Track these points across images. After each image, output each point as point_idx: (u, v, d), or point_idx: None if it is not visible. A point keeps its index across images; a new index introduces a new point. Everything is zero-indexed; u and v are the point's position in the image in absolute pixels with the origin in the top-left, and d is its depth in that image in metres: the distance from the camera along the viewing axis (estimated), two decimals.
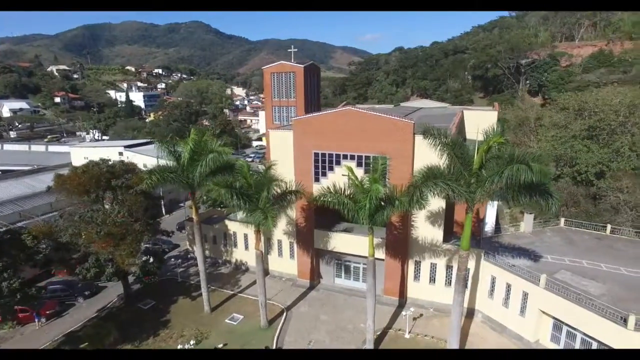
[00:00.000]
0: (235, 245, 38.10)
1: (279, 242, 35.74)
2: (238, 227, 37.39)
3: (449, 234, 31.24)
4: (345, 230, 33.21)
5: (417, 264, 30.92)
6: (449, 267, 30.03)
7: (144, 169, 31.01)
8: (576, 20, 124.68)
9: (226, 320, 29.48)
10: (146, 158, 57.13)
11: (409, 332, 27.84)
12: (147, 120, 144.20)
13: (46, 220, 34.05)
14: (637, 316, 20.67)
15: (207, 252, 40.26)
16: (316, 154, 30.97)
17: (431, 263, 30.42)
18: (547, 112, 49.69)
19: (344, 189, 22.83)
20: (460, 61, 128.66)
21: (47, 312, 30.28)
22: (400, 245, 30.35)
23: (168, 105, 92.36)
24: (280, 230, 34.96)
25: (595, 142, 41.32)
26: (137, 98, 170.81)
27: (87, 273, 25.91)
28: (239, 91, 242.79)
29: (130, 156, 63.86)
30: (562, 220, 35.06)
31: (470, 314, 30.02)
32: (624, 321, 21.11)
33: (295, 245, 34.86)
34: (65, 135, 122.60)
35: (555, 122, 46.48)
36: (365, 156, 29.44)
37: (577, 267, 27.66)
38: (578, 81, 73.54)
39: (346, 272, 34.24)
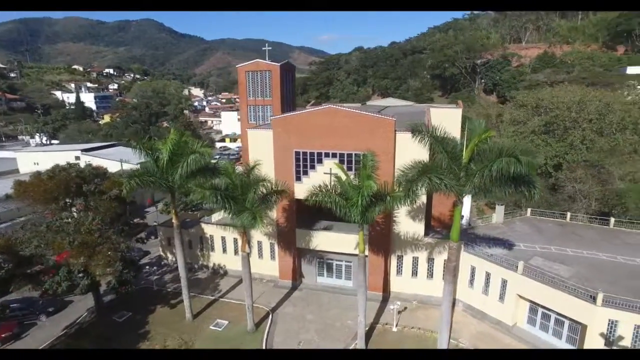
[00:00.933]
0: (213, 249, 36.93)
1: (259, 243, 35.10)
2: (215, 230, 36.27)
3: (428, 228, 32.21)
4: (326, 229, 33.22)
5: (400, 259, 31.60)
6: (430, 260, 30.95)
7: (119, 173, 29.13)
8: (522, 24, 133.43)
9: (210, 327, 28.49)
10: (107, 162, 53.80)
11: (396, 326, 28.36)
12: (100, 122, 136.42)
13: (1, 231, 31.08)
14: (604, 294, 22.48)
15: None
16: (297, 153, 30.71)
17: (413, 257, 31.20)
18: (507, 110, 52.58)
19: (335, 187, 22.75)
20: (418, 61, 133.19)
21: (2, 335, 27.38)
22: (383, 240, 30.86)
23: (125, 107, 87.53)
24: (260, 231, 34.27)
25: (552, 137, 44.32)
26: (88, 99, 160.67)
27: (58, 287, 23.91)
28: (197, 92, 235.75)
29: (89, 161, 59.91)
30: (529, 210, 37.33)
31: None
32: (593, 299, 22.87)
33: (276, 246, 34.39)
34: (3, 139, 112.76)
35: (515, 119, 49.29)
36: (347, 154, 29.61)
37: (547, 252, 29.55)
38: (529, 80, 78.54)
39: (328, 271, 34.28)
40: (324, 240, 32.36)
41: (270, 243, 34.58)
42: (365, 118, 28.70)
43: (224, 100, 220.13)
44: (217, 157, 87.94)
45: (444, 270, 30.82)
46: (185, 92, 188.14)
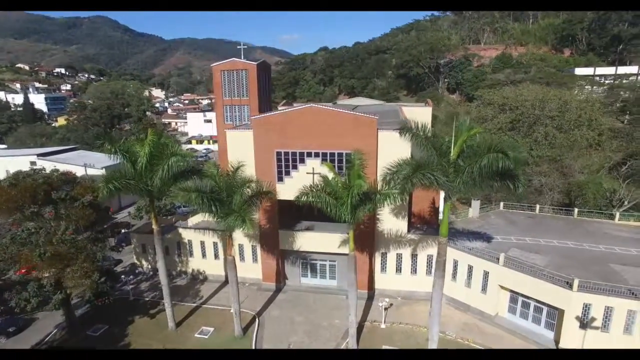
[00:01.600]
0: (191, 255, 35.62)
1: (241, 246, 34.25)
2: (193, 235, 35.02)
3: (409, 225, 32.79)
4: (308, 229, 33.01)
5: (384, 256, 31.95)
6: (413, 256, 31.52)
7: (91, 178, 27.30)
8: (480, 26, 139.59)
9: (196, 335, 27.45)
10: (68, 167, 50.42)
11: (384, 322, 28.64)
12: (54, 125, 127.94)
13: None
14: (579, 279, 23.90)
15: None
16: (279, 153, 30.27)
17: (397, 254, 31.65)
18: (474, 108, 54.71)
19: (325, 187, 22.56)
20: (383, 61, 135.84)
21: None
22: (368, 239, 31.06)
23: (84, 108, 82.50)
24: (241, 234, 33.44)
25: (518, 133, 46.59)
26: (38, 100, 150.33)
27: (26, 304, 22.01)
28: (158, 93, 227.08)
29: (47, 166, 55.87)
30: (502, 204, 39.03)
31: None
32: (569, 285, 24.25)
33: (258, 249, 33.73)
34: None
35: (482, 116, 51.34)
36: (330, 153, 29.55)
37: (522, 244, 30.98)
38: (490, 80, 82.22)
39: (312, 271, 34.06)
40: (307, 240, 32.10)
41: (252, 246, 33.85)
42: (348, 117, 28.76)
43: (186, 102, 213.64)
44: None
45: (427, 266, 31.61)
46: (146, 93, 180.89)
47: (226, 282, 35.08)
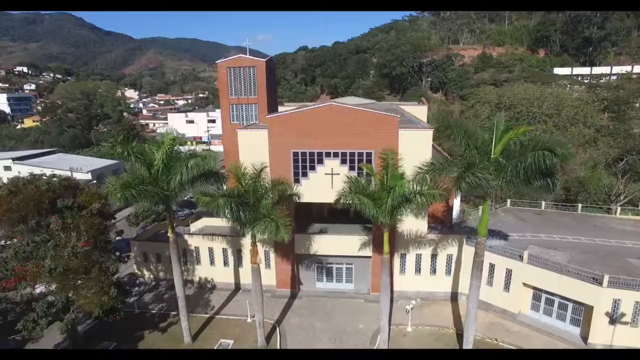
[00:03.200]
0: (199, 262, 33.70)
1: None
2: (201, 241, 33.14)
3: None
4: (322, 232, 31.95)
5: (403, 257, 31.29)
6: (433, 256, 31.02)
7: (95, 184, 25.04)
8: (458, 27, 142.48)
9: (216, 348, 25.74)
10: (49, 172, 46.94)
11: (410, 325, 27.96)
12: (18, 127, 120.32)
13: None
14: (609, 275, 24.05)
15: (161, 274, 34.98)
16: (295, 154, 29.00)
17: (416, 254, 31.06)
18: (470, 106, 55.19)
19: (361, 188, 21.53)
20: (364, 60, 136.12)
21: None
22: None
23: (57, 109, 77.56)
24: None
25: None
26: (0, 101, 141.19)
27: (34, 326, 19.75)
28: (131, 93, 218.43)
29: (24, 170, 51.92)
30: (509, 201, 39.30)
31: (454, 297, 31.56)
32: (596, 280, 24.37)
33: (271, 254, 32.29)
34: None
35: (479, 114, 51.80)
36: (349, 153, 28.57)
37: (538, 240, 31.14)
38: (475, 79, 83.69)
39: (328, 275, 32.96)
40: (325, 244, 30.99)
41: (265, 251, 32.35)
42: (369, 115, 27.89)
43: (161, 102, 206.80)
44: None
45: (446, 266, 31.22)
46: (118, 93, 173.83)
47: (236, 290, 33.51)
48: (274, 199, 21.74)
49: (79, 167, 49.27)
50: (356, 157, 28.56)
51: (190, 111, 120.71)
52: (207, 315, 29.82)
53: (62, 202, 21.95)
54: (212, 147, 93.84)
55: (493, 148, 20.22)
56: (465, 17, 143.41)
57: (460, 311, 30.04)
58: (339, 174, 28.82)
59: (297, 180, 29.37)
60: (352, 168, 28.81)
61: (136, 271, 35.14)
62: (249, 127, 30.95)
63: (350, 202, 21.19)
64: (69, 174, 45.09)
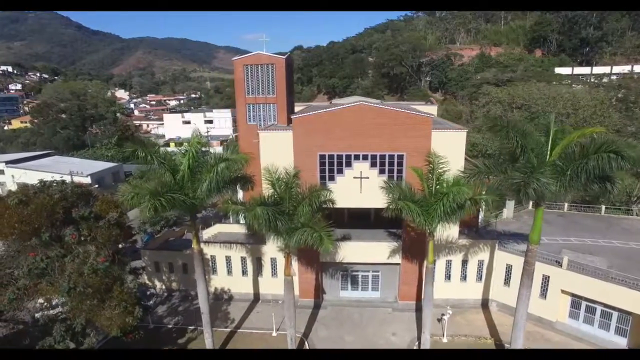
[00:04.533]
0: (215, 272, 31.80)
1: (273, 260, 30.94)
2: (218, 250, 31.24)
3: None
4: (345, 238, 30.36)
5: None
6: (464, 262, 29.71)
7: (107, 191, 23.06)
8: (454, 26, 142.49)
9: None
10: (49, 176, 44.40)
11: (445, 336, 26.57)
12: (5, 128, 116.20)
13: None
14: None
15: (174, 285, 32.99)
16: (322, 156, 27.37)
17: (446, 260, 29.72)
18: (481, 106, 54.19)
19: (412, 194, 20.02)
20: (360, 60, 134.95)
21: None
22: (418, 246, 28.83)
23: (50, 110, 74.42)
24: (274, 247, 30.20)
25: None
26: None
27: None
28: (121, 94, 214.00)
29: (17, 175, 49.23)
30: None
31: (484, 304, 30.31)
32: None
33: (294, 262, 30.50)
34: None
35: (493, 114, 50.75)
36: (380, 155, 27.06)
37: (570, 244, 30.05)
38: (478, 79, 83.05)
39: (353, 283, 31.40)
40: (351, 251, 29.40)
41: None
42: (402, 115, 26.42)
43: (153, 103, 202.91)
44: None
45: (477, 272, 29.95)
46: (109, 94, 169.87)
47: (255, 300, 31.71)
48: (313, 207, 20.01)
49: (79, 170, 46.76)
50: (387, 160, 27.08)
51: (186, 111, 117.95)
52: (228, 330, 27.97)
53: (77, 212, 19.92)
54: (211, 149, 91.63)
55: (549, 150, 18.91)
56: (461, 17, 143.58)
57: (493, 319, 28.83)
58: (368, 178, 27.34)
59: (323, 185, 27.68)
60: (382, 171, 27.34)
61: (146, 282, 33.04)
62: (269, 129, 29.20)
63: (396, 209, 19.59)
64: (68, 178, 42.71)
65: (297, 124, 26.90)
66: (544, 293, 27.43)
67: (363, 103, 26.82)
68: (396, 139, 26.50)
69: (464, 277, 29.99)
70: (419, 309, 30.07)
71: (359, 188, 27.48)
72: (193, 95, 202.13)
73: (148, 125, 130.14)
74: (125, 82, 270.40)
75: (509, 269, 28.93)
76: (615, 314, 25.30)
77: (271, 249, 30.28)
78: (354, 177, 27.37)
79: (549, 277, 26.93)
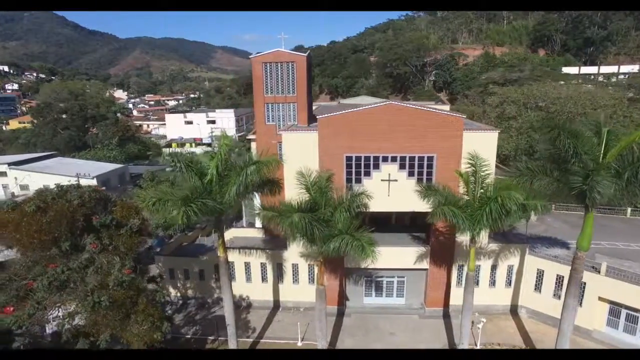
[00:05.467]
0: (233, 279, 30.46)
1: (294, 266, 29.76)
2: (237, 256, 29.98)
3: None
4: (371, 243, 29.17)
5: (460, 269, 28.78)
6: (493, 268, 28.65)
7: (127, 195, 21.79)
8: (456, 26, 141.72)
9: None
10: (54, 178, 42.94)
11: (479, 345, 25.49)
12: (3, 128, 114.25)
13: None
14: None
15: (189, 292, 31.71)
16: (349, 158, 26.22)
17: (476, 265, 28.50)
18: (494, 106, 53.19)
19: (456, 199, 18.91)
20: (362, 60, 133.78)
21: None
22: (446, 251, 27.80)
23: (50, 110, 72.69)
24: (296, 252, 29.05)
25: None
26: None
27: None
28: (120, 94, 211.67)
29: (21, 177, 47.73)
30: (553, 206, 37.21)
31: (513, 310, 29.31)
32: None
33: (316, 268, 29.31)
34: None
35: (507, 115, 49.76)
36: (409, 157, 25.94)
37: (602, 249, 29.01)
38: (485, 79, 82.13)
39: (377, 290, 30.27)
40: (377, 256, 28.12)
41: (309, 265, 29.45)
42: (433, 115, 25.34)
43: (151, 103, 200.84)
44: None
45: (507, 277, 28.91)
46: (107, 94, 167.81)
47: (275, 308, 30.52)
48: (351, 212, 18.83)
49: (86, 172, 45.31)
50: (416, 162, 25.98)
51: (188, 111, 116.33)
52: (251, 340, 26.74)
53: (98, 219, 18.63)
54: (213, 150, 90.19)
55: (602, 152, 17.85)
56: (463, 17, 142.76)
57: (525, 327, 27.80)
58: (396, 180, 26.22)
59: (349, 188, 26.51)
60: (411, 174, 26.24)
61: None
62: (291, 129, 27.99)
63: (441, 215, 18.45)
64: (75, 180, 41.40)
65: (323, 124, 25.72)
66: (579, 300, 26.35)
67: (392, 103, 25.71)
68: (426, 139, 25.41)
69: (492, 283, 28.94)
70: (446, 316, 29.08)
71: (387, 191, 26.34)
72: (192, 96, 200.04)
73: (148, 126, 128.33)
74: (123, 82, 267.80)
75: (540, 275, 27.92)
76: None
77: (293, 254, 29.21)
78: (382, 180, 26.24)
79: (585, 283, 25.84)
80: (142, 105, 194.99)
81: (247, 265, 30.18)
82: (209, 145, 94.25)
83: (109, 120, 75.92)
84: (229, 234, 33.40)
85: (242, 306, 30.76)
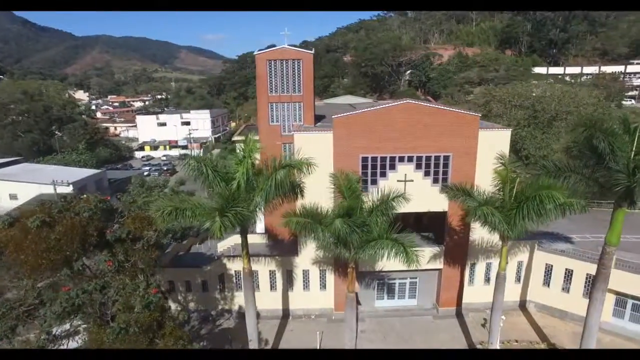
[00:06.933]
0: (239, 288, 28.94)
1: (305, 273, 28.63)
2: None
3: None
4: None
5: (472, 267, 28.84)
6: None
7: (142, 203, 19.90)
8: (428, 27, 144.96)
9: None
10: (17, 187, 39.33)
11: (498, 343, 25.47)
12: None
13: None
14: None
15: (191, 305, 29.78)
16: (364, 159, 25.47)
17: (486, 263, 28.76)
18: (479, 104, 54.32)
19: (493, 200, 18.58)
20: (336, 59, 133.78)
21: None
22: (460, 250, 27.72)
23: (7, 111, 66.60)
24: (308, 258, 28.01)
25: (537, 128, 46.82)
26: None
27: None
28: (80, 95, 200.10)
29: None
30: None
31: (522, 305, 29.74)
32: None
33: (327, 273, 28.44)
34: None
35: (494, 113, 50.90)
36: (426, 157, 25.56)
37: (602, 241, 29.96)
38: (463, 78, 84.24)
39: (389, 292, 29.75)
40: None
41: (321, 270, 28.44)
42: (449, 114, 25.04)
43: (116, 104, 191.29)
44: (147, 168, 74.23)
45: (516, 273, 29.25)
46: (66, 95, 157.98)
47: (284, 317, 29.27)
48: (388, 215, 18.06)
49: (61, 179, 41.75)
50: (432, 161, 25.63)
51: (160, 113, 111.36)
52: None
53: (112, 233, 16.75)
54: (191, 152, 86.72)
55: (633, 150, 18.10)
56: (434, 18, 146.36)
57: (536, 321, 28.23)
58: (412, 181, 25.75)
59: (365, 189, 25.76)
60: (427, 174, 25.87)
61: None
62: (303, 130, 26.86)
63: (481, 216, 18.07)
64: (49, 188, 38.20)
65: (338, 124, 24.80)
66: (587, 293, 27.03)
67: (409, 102, 25.17)
68: (442, 138, 25.12)
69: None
70: (459, 315, 29.01)
71: (403, 192, 25.77)
72: (159, 97, 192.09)
73: (115, 128, 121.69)
74: (82, 83, 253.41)
75: (548, 269, 28.43)
76: None
77: (304, 260, 28.14)
78: (398, 181, 25.66)
79: (591, 275, 26.49)
80: (106, 106, 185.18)
81: (255, 274, 28.65)
82: (184, 147, 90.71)
83: (77, 122, 70.89)
84: (230, 241, 31.70)
85: None
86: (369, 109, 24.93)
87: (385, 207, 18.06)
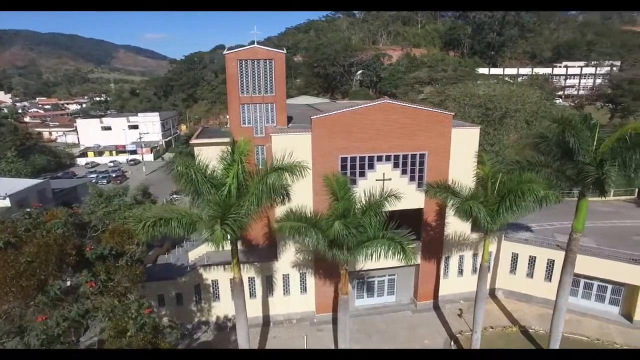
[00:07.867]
0: (217, 298, 27.74)
1: (285, 277, 28.06)
2: (221, 274, 27.26)
3: None
4: None
5: (447, 260, 30.02)
6: (474, 256, 30.40)
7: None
8: (376, 28, 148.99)
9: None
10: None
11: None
12: None
13: None
14: None
15: (165, 320, 27.85)
16: (343, 159, 25.50)
17: (459, 256, 30.11)
18: (435, 103, 56.78)
19: (479, 195, 19.34)
20: (287, 59, 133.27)
21: None
22: (436, 244, 28.77)
23: None
24: (288, 262, 27.51)
25: (489, 126, 49.93)
26: None
27: None
28: (2, 96, 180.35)
29: None
30: None
31: (492, 293, 31.49)
32: (636, 261, 26.32)
33: (308, 276, 28.14)
34: None
35: (448, 112, 53.38)
36: (402, 155, 26.15)
37: (556, 228, 32.71)
38: (413, 78, 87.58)
39: (368, 290, 30.12)
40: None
41: (301, 273, 28.05)
42: (424, 113, 25.85)
43: (47, 107, 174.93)
44: (94, 175, 68.77)
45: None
46: None
47: (265, 324, 28.49)
48: (381, 216, 18.18)
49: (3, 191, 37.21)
50: (409, 160, 26.31)
51: (103, 116, 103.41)
52: None
53: (92, 250, 15.18)
54: (139, 158, 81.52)
55: (594, 144, 19.84)
56: (382, 19, 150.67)
57: (506, 307, 30.06)
58: (390, 180, 26.20)
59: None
60: (404, 172, 26.49)
61: None
62: (274, 131, 26.23)
63: (468, 211, 18.80)
64: None
65: (317, 125, 24.58)
66: (549, 276, 29.35)
67: (386, 101, 25.57)
68: (418, 137, 25.89)
69: (474, 270, 30.63)
70: (436, 307, 30.09)
71: (382, 191, 26.18)
72: (98, 99, 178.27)
73: (50, 133, 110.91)
74: (2, 82, 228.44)
75: (514, 258, 30.41)
76: (609, 287, 28.19)
77: (284, 265, 27.61)
78: (377, 180, 25.99)
79: (553, 261, 28.84)
80: (35, 109, 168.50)
81: (233, 282, 27.55)
82: (133, 152, 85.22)
83: (4, 127, 63.76)
84: (201, 250, 30.23)
85: (227, 327, 28.11)
86: (347, 109, 24.95)
87: (378, 207, 18.14)
